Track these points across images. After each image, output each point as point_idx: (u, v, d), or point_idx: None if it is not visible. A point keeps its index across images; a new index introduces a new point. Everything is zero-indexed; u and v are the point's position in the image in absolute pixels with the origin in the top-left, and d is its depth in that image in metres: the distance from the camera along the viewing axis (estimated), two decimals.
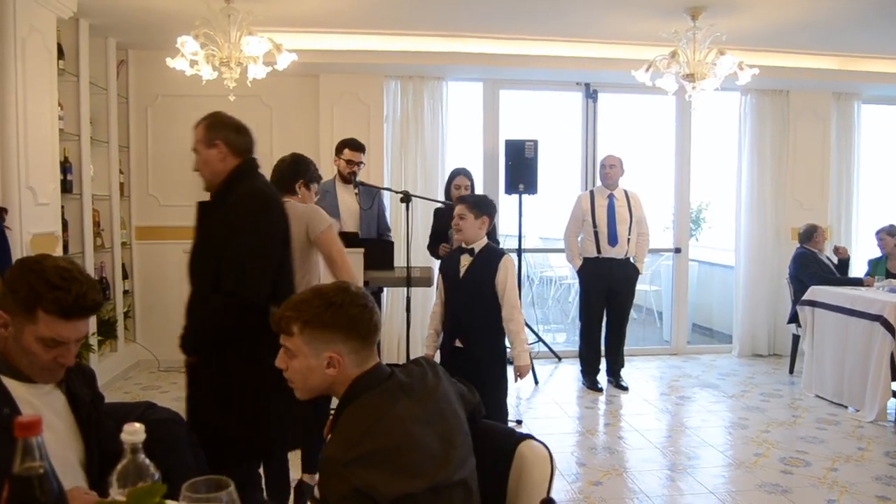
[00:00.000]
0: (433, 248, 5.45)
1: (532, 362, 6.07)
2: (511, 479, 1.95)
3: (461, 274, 3.82)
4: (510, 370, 3.87)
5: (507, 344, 3.88)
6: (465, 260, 3.83)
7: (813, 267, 5.95)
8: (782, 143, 7.11)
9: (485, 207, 3.85)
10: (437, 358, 3.95)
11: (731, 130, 7.30)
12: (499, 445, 2.00)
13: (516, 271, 3.91)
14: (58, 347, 1.74)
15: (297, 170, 3.74)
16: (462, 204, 3.87)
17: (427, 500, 1.72)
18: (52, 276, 1.70)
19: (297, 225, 3.33)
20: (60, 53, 4.93)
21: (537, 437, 1.99)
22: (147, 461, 1.23)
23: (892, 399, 5.01)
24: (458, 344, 3.83)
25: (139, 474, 1.21)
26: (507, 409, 4.00)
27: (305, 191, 3.72)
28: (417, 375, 1.92)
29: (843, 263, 6.25)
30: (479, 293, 3.78)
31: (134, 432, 1.21)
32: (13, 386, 1.77)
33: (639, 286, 6.15)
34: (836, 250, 6.34)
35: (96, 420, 1.97)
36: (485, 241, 3.86)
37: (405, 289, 4.79)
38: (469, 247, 3.84)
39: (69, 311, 1.71)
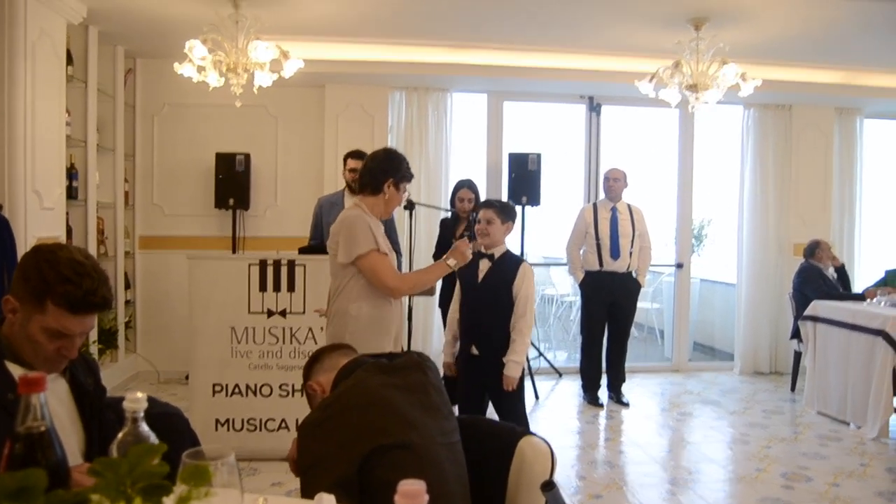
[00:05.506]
0: (437, 259, 5.46)
1: (532, 377, 6.11)
2: (512, 473, 1.96)
3: (479, 279, 3.78)
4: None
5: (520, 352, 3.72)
6: (484, 265, 3.78)
7: (817, 281, 5.94)
8: (785, 159, 7.13)
9: (511, 213, 3.84)
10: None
11: (733, 145, 7.32)
12: (500, 441, 2.01)
13: (534, 280, 3.79)
14: (62, 339, 1.73)
15: (385, 167, 3.27)
16: (490, 209, 3.80)
17: (409, 457, 1.74)
18: (64, 268, 1.69)
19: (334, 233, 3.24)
20: (69, 59, 4.98)
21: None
22: (148, 430, 1.22)
23: (895, 415, 4.98)
24: (474, 351, 3.78)
25: (139, 443, 1.20)
26: (526, 419, 3.89)
27: (394, 191, 3.28)
28: (400, 360, 2.01)
29: (841, 272, 6.23)
30: (496, 299, 3.71)
31: (136, 400, 1.21)
32: (18, 372, 1.77)
33: (640, 304, 6.14)
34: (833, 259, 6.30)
35: (98, 409, 1.96)
36: (505, 247, 3.83)
37: (406, 298, 4.79)
38: (489, 252, 3.79)
39: (77, 305, 1.70)
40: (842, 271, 6.26)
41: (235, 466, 1.18)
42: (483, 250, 3.83)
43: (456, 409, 4.63)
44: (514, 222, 3.88)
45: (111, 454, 1.22)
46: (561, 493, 1.33)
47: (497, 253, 3.79)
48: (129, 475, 0.95)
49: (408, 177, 3.31)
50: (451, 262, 3.29)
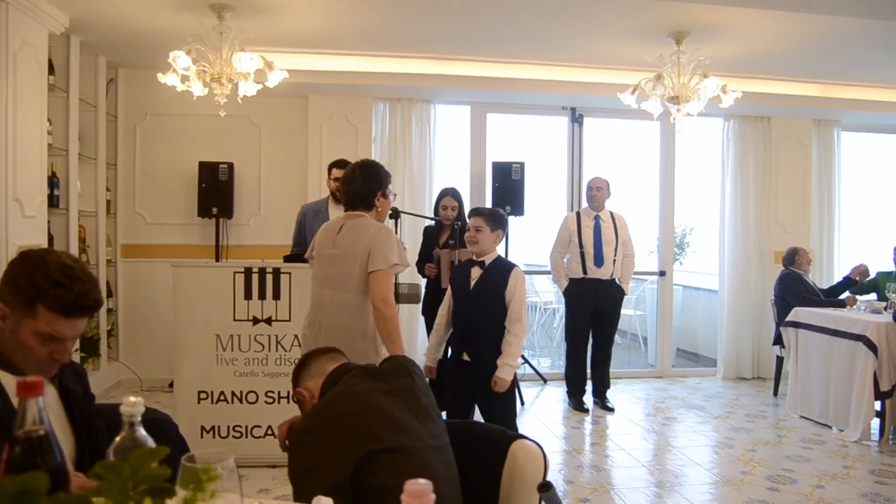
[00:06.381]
0: (420, 267, 5.50)
1: (518, 383, 6.12)
2: (504, 477, 1.97)
3: (471, 286, 3.80)
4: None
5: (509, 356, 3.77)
6: (476, 272, 3.81)
7: (798, 287, 6.02)
8: (765, 169, 7.23)
9: (500, 221, 3.86)
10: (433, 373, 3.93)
11: (714, 156, 7.41)
12: (492, 445, 2.02)
13: (525, 285, 3.85)
14: (54, 343, 1.73)
15: (371, 185, 3.29)
16: (479, 216, 3.83)
17: (401, 461, 1.75)
18: (54, 272, 1.69)
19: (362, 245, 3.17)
20: (51, 69, 4.95)
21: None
22: (145, 434, 1.22)
23: (876, 418, 5.04)
24: (465, 357, 3.80)
25: (137, 447, 1.20)
26: (516, 424, 3.94)
27: (384, 200, 3.34)
28: (386, 365, 2.05)
29: (852, 283, 6.28)
30: (489, 306, 3.74)
31: (133, 405, 1.21)
32: (6, 378, 1.76)
33: (623, 311, 6.17)
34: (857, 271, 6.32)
35: (88, 416, 1.95)
36: (496, 254, 3.86)
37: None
38: (480, 259, 3.83)
39: (69, 308, 1.70)
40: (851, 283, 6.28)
41: (235, 470, 1.18)
42: (474, 258, 3.86)
43: (444, 415, 4.68)
44: (504, 230, 3.91)
45: (108, 458, 1.22)
46: (558, 495, 1.34)
47: (488, 260, 3.82)
48: (132, 478, 0.95)
49: (388, 181, 3.35)
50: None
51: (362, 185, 3.28)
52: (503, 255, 6.38)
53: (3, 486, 0.89)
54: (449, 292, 3.98)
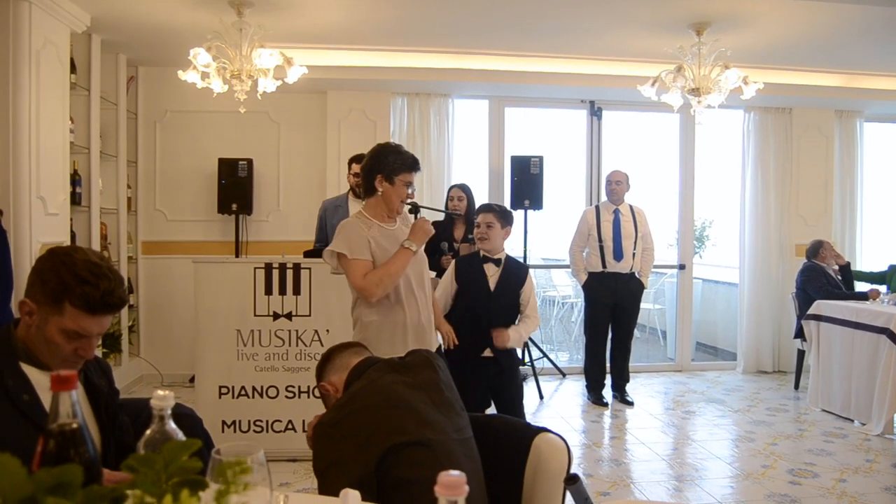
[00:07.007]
0: (431, 260, 5.48)
1: (537, 377, 6.16)
2: (528, 470, 1.97)
3: (492, 287, 3.84)
4: None
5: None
6: (492, 270, 3.85)
7: (820, 280, 5.97)
8: (786, 161, 7.16)
9: (510, 218, 3.93)
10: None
11: (734, 148, 7.35)
12: (515, 438, 2.02)
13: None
14: (79, 340, 1.75)
15: (370, 165, 3.05)
16: (490, 213, 3.86)
17: (426, 454, 1.75)
18: (81, 270, 1.71)
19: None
20: (72, 68, 5.00)
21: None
22: (175, 427, 1.23)
23: None
24: (487, 354, 3.85)
25: (167, 441, 1.21)
26: (524, 415, 4.10)
27: (388, 186, 3.03)
28: (409, 358, 2.04)
29: (845, 271, 6.27)
30: (511, 305, 3.86)
31: (163, 398, 1.22)
32: (32, 373, 1.78)
33: (643, 305, 6.14)
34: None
35: (113, 411, 1.98)
36: (504, 251, 3.90)
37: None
38: (495, 257, 3.85)
39: (95, 306, 1.72)
40: (846, 270, 6.28)
41: (265, 464, 1.19)
42: (482, 254, 3.89)
43: None
44: (511, 227, 3.96)
45: (138, 452, 1.23)
46: (584, 487, 1.34)
47: (501, 258, 3.87)
48: (165, 471, 0.96)
49: (399, 168, 3.03)
50: (413, 246, 3.06)
51: (366, 163, 3.09)
52: (517, 251, 6.47)
53: (39, 478, 0.90)
54: (448, 281, 4.00)
